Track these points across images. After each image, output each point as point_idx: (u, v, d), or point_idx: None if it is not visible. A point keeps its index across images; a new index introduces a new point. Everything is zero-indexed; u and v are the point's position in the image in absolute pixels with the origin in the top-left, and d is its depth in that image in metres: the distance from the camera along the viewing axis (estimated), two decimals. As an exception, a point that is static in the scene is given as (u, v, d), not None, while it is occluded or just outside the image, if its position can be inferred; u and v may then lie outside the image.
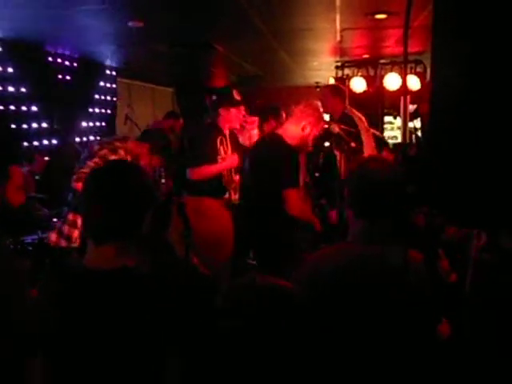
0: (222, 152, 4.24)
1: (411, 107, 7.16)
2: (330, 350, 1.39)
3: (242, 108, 4.38)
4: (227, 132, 4.30)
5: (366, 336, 1.53)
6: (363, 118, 3.97)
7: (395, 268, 1.51)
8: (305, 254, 1.94)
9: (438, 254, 2.30)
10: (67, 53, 5.47)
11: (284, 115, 4.79)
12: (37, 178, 5.24)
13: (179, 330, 1.34)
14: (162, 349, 1.31)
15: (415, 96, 6.23)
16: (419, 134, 6.72)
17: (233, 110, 4.25)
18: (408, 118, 4.37)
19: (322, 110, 3.53)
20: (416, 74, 6.25)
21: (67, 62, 5.76)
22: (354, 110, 4.05)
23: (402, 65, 5.85)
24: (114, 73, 6.88)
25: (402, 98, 4.87)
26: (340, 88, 4.97)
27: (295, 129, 3.28)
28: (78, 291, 1.34)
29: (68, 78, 5.82)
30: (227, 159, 4.10)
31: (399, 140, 8.66)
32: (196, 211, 4.22)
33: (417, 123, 7.61)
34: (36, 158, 5.25)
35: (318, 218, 3.69)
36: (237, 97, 4.29)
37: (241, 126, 4.45)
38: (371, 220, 1.60)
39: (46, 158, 5.49)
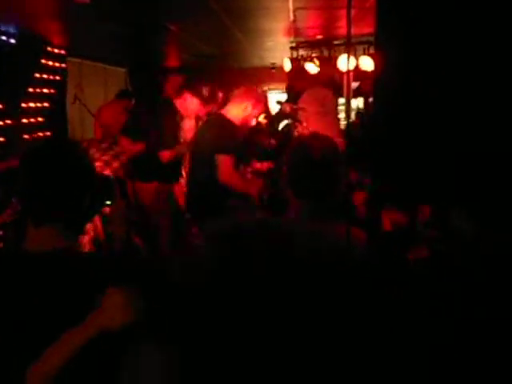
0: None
1: (354, 84, 7.26)
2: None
3: (202, 103, 4.45)
4: (186, 115, 4.35)
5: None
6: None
7: (335, 245, 1.52)
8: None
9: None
10: (3, 28, 5.18)
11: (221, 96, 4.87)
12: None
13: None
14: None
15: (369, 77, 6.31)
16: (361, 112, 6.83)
17: (195, 100, 4.36)
18: (351, 98, 4.45)
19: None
20: (369, 55, 6.31)
21: (3, 37, 5.44)
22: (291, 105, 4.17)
23: (355, 46, 5.90)
24: (62, 51, 6.63)
25: (344, 76, 4.93)
26: None
27: (237, 109, 3.53)
28: (12, 273, 1.30)
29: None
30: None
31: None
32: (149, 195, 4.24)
33: (360, 102, 7.71)
34: None
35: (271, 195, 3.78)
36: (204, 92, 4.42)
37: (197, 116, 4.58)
38: (308, 200, 1.58)
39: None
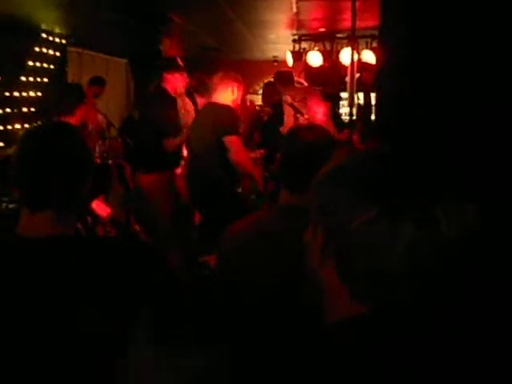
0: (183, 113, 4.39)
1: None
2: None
3: (185, 74, 4.42)
4: (177, 96, 4.32)
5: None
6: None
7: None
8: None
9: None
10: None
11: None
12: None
13: (126, 295, 1.28)
14: (109, 318, 1.26)
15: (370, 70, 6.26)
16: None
17: (177, 75, 4.29)
18: (354, 92, 4.41)
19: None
20: (372, 49, 6.27)
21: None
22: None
23: (357, 39, 5.85)
24: (63, 41, 6.60)
25: (348, 70, 4.89)
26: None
27: (225, 95, 3.56)
28: (6, 261, 1.27)
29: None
30: None
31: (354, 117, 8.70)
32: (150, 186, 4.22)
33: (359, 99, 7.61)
34: None
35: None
36: (180, 63, 4.39)
37: (187, 91, 4.57)
38: (295, 193, 1.51)
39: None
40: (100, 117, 5.12)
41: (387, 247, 0.71)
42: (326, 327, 0.81)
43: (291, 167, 1.54)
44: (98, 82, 6.27)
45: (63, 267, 1.24)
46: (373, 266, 0.73)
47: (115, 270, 1.25)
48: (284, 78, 5.32)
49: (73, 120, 3.26)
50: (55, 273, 1.23)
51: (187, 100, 4.99)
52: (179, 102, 4.49)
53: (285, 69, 5.60)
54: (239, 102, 3.79)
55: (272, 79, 5.89)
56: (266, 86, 6.10)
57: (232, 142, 3.36)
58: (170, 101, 4.21)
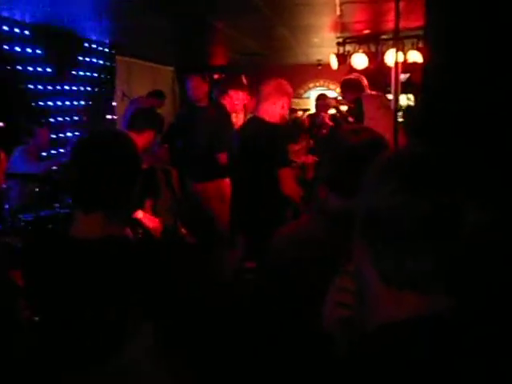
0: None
1: (403, 76, 6.99)
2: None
3: (247, 93, 4.49)
4: (233, 112, 4.41)
5: None
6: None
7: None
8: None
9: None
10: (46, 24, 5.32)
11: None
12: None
13: (168, 296, 1.31)
14: (150, 316, 1.29)
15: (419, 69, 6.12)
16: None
17: (240, 93, 4.39)
18: (399, 94, 4.32)
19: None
20: (418, 49, 6.13)
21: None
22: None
23: (403, 40, 5.74)
24: (113, 51, 6.80)
25: (392, 71, 4.79)
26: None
27: (274, 108, 3.36)
28: (64, 261, 1.32)
29: (39, 52, 5.60)
30: None
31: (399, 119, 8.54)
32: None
33: (409, 99, 7.38)
34: (38, 131, 5.09)
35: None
36: (244, 81, 4.43)
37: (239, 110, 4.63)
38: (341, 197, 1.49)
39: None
40: None
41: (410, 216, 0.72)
42: (368, 331, 0.81)
43: (338, 170, 1.53)
44: (156, 95, 6.40)
45: (111, 267, 1.28)
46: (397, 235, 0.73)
47: (154, 275, 1.29)
48: (353, 85, 5.17)
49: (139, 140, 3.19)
50: (104, 271, 1.28)
51: (241, 115, 5.05)
52: (233, 117, 4.57)
53: (348, 76, 5.47)
54: (287, 117, 3.66)
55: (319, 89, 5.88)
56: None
57: (285, 176, 3.23)
58: (227, 116, 4.30)
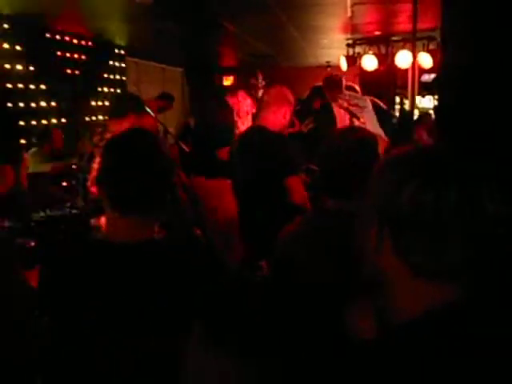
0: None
1: (427, 77, 6.85)
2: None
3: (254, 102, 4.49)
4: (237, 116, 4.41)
5: None
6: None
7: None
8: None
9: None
10: (74, 30, 5.41)
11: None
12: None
13: (202, 301, 1.30)
14: (185, 323, 1.28)
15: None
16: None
17: (249, 100, 4.39)
18: (415, 97, 4.27)
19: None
20: (428, 51, 6.09)
21: (75, 40, 5.72)
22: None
23: (414, 42, 5.71)
24: (122, 51, 6.84)
25: (409, 73, 4.76)
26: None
27: (277, 117, 3.24)
28: (105, 265, 1.29)
29: (76, 56, 5.78)
30: None
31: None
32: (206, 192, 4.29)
33: (430, 102, 7.29)
34: (53, 132, 5.12)
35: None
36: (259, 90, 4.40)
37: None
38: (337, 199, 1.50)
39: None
40: (160, 126, 5.24)
41: (433, 211, 0.75)
42: (394, 324, 0.81)
43: (333, 172, 1.52)
44: (164, 97, 6.40)
45: (151, 271, 1.27)
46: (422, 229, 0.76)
47: (183, 280, 1.28)
48: (332, 83, 5.14)
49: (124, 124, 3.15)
50: (144, 275, 1.27)
51: (244, 121, 5.04)
52: (240, 122, 4.56)
53: (335, 74, 5.45)
54: (288, 127, 3.56)
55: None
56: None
57: (294, 185, 3.13)
58: (231, 115, 4.30)
